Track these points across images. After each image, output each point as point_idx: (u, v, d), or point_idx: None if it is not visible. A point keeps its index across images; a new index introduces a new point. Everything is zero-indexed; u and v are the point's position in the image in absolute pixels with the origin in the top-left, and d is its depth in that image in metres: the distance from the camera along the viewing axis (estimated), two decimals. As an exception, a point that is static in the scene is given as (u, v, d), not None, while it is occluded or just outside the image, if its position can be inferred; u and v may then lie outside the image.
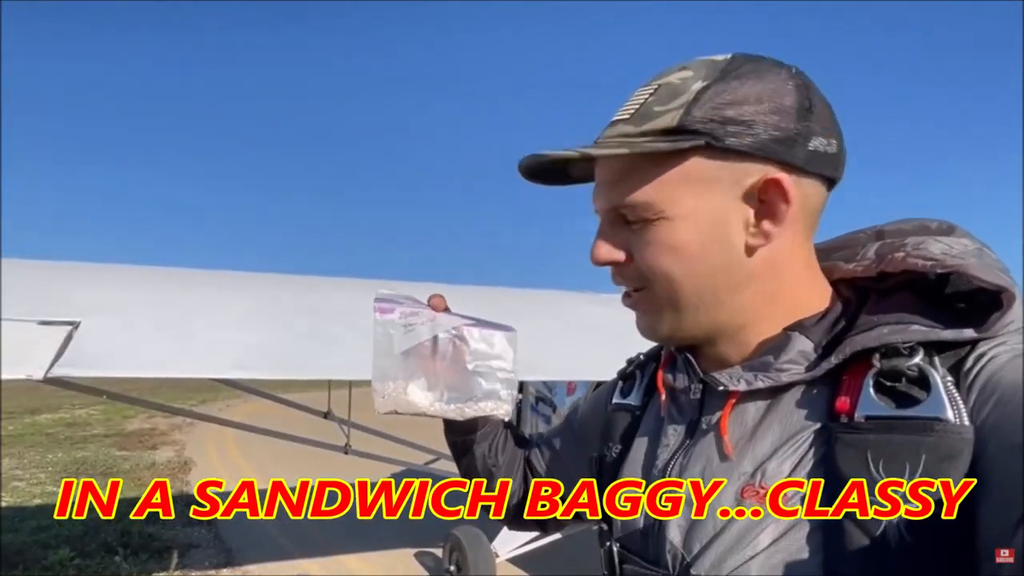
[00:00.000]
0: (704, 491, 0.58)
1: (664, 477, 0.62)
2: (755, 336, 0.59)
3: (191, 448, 9.37)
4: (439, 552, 4.27)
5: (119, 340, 1.69)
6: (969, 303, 0.54)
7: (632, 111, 0.57)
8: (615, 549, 0.65)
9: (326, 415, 3.29)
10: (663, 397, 0.67)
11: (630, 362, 0.79)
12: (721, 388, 0.59)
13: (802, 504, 0.51)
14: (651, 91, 0.57)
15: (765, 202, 0.56)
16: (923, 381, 0.50)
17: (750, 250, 0.56)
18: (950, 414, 0.48)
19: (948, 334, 0.51)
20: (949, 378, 0.49)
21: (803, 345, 0.56)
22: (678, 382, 0.65)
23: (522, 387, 4.88)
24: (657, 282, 0.58)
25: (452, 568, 3.90)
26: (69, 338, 1.64)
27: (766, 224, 0.56)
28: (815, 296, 0.59)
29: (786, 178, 0.54)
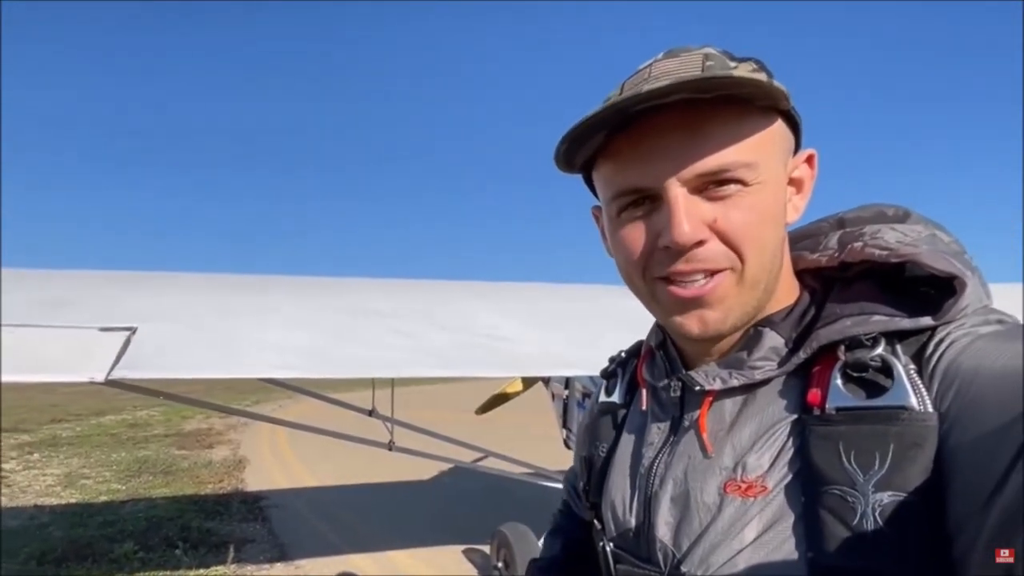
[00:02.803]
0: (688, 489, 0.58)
1: (650, 476, 0.62)
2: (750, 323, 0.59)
3: (245, 447, 9.68)
4: (487, 549, 4.30)
5: (174, 343, 1.76)
6: (935, 287, 0.53)
7: (696, 71, 0.50)
8: (608, 549, 0.66)
9: (370, 413, 3.35)
10: (644, 394, 0.68)
11: (612, 360, 0.79)
12: (698, 388, 0.59)
13: (784, 496, 0.52)
14: (700, 56, 0.51)
15: (796, 178, 0.57)
16: (889, 370, 0.50)
17: (784, 227, 0.57)
18: (914, 401, 0.48)
19: (907, 323, 0.51)
20: (912, 366, 0.50)
21: (774, 341, 0.57)
22: (657, 379, 0.65)
23: (568, 383, 4.86)
24: (752, 256, 0.53)
25: (500, 565, 3.92)
26: (128, 343, 1.72)
27: (797, 199, 0.58)
28: (789, 285, 0.60)
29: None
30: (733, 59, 0.52)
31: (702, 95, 0.49)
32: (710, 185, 0.52)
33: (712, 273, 0.53)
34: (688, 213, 0.51)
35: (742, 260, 0.53)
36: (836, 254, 0.59)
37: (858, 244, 0.57)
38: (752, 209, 0.52)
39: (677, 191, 0.52)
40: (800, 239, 0.64)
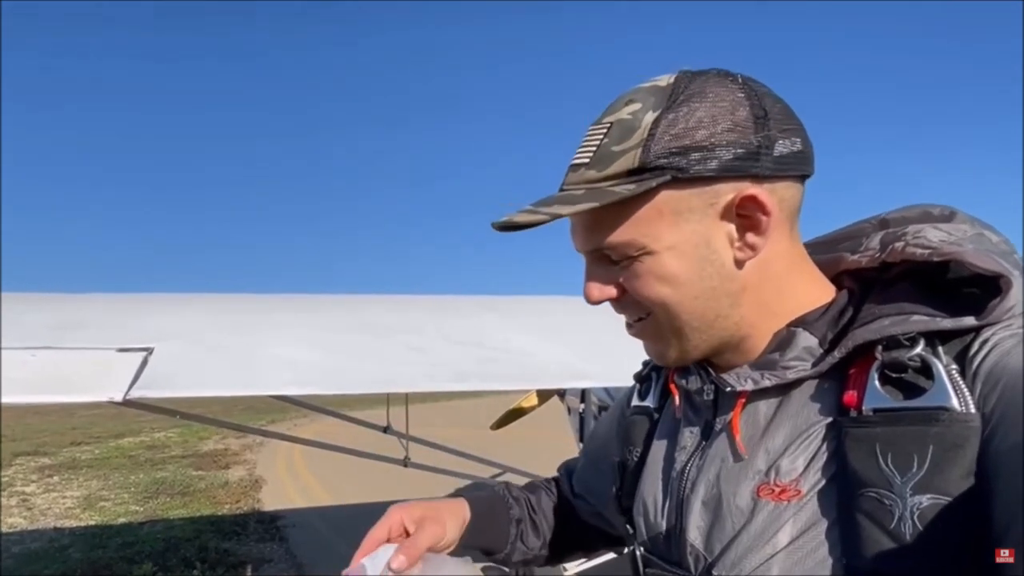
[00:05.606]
0: (721, 492, 0.58)
1: (682, 479, 0.62)
2: (760, 341, 0.59)
3: (262, 466, 9.70)
4: (507, 568, 4.25)
5: (190, 363, 1.78)
6: (980, 287, 0.52)
7: (590, 154, 0.57)
8: (639, 553, 0.67)
9: (385, 430, 3.35)
10: (677, 399, 0.68)
11: (645, 364, 0.78)
12: (729, 389, 0.59)
13: (818, 500, 0.51)
14: (604, 131, 0.57)
15: (744, 216, 0.56)
16: (928, 371, 0.49)
17: (739, 263, 0.57)
18: (955, 402, 0.47)
19: (948, 323, 0.50)
20: (954, 366, 0.49)
21: (807, 341, 0.56)
22: (690, 384, 0.65)
23: (584, 396, 4.83)
24: (656, 312, 0.59)
25: (518, 581, 3.87)
26: (145, 363, 1.74)
27: (750, 236, 0.56)
28: (815, 291, 0.59)
29: (760, 191, 0.54)
30: (660, 104, 0.55)
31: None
32: (609, 256, 0.59)
33: (639, 319, 0.61)
34: (593, 277, 0.61)
35: (651, 314, 0.59)
36: (877, 254, 0.59)
37: (900, 244, 0.57)
38: (641, 276, 0.57)
39: (586, 259, 0.61)
40: (841, 240, 0.63)
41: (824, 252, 0.63)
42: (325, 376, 1.82)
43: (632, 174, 0.55)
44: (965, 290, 0.54)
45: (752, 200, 0.55)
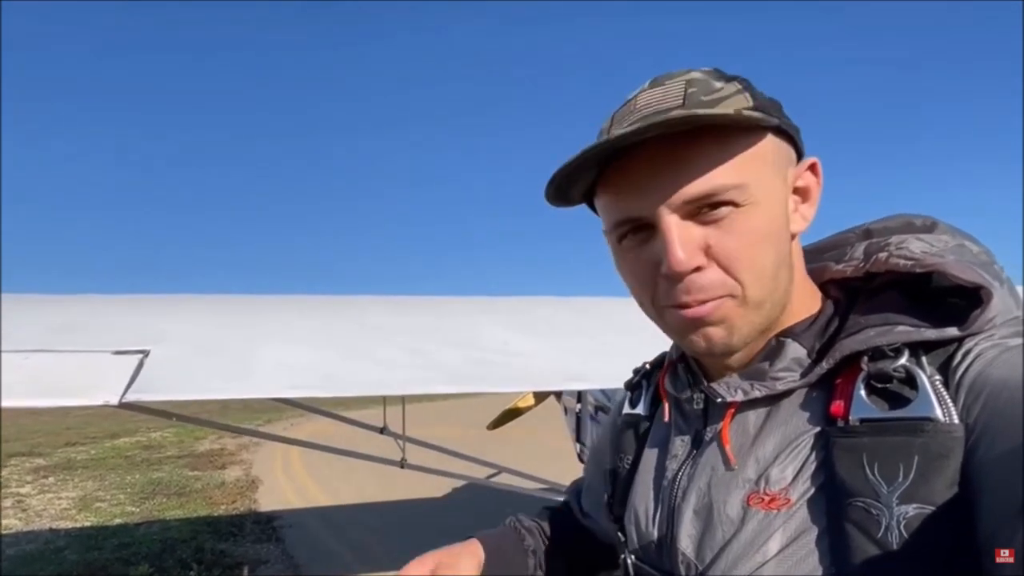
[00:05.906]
0: (712, 501, 0.58)
1: (673, 488, 0.63)
2: (763, 339, 0.59)
3: (258, 467, 9.67)
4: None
5: (185, 365, 1.78)
6: (963, 297, 0.53)
7: (677, 100, 0.52)
8: (630, 561, 0.67)
9: (382, 431, 3.35)
10: (667, 407, 0.68)
11: (636, 372, 0.78)
12: (719, 400, 0.59)
13: (807, 509, 0.52)
14: (681, 85, 0.53)
15: (801, 187, 0.57)
16: (913, 381, 0.50)
17: (792, 236, 0.57)
18: (939, 413, 0.48)
19: (931, 334, 0.51)
20: (937, 377, 0.50)
21: (796, 352, 0.56)
22: (680, 391, 0.65)
23: (580, 397, 4.83)
24: (749, 280, 0.53)
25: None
26: (140, 365, 1.74)
27: (804, 208, 0.58)
28: (807, 299, 0.60)
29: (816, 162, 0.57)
30: (720, 78, 0.54)
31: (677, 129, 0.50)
32: (703, 209, 0.52)
33: (714, 297, 0.54)
34: (682, 240, 0.52)
35: (741, 285, 0.53)
36: (861, 264, 0.59)
37: (883, 255, 0.57)
38: (745, 231, 0.52)
39: (669, 219, 0.52)
40: (826, 249, 0.64)
41: (810, 261, 0.64)
42: (322, 379, 1.82)
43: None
44: (949, 299, 0.54)
45: (814, 168, 0.57)
